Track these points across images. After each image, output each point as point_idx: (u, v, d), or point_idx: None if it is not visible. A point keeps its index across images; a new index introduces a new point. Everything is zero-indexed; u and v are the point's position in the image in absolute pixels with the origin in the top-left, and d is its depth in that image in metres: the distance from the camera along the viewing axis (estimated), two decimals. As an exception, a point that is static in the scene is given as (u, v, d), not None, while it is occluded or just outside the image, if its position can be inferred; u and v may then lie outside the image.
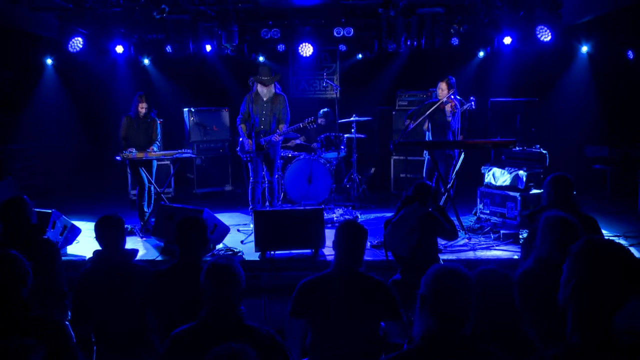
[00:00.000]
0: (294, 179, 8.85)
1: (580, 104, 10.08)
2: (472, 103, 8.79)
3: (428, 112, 7.40)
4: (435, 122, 7.66)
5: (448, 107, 7.39)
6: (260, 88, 7.61)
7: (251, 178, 7.69)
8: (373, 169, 10.52)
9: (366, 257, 6.03)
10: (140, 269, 3.87)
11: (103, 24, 9.33)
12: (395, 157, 10.04)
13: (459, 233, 7.09)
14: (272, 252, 6.23)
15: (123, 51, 9.72)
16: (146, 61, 10.82)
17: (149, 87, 10.75)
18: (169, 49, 9.94)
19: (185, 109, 10.12)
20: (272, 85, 7.66)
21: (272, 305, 6.09)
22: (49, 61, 10.63)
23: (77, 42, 8.68)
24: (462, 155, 7.21)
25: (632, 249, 6.45)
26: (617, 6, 8.37)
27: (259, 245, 6.19)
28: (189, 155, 7.61)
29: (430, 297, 2.26)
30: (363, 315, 3.45)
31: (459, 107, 7.61)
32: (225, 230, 6.51)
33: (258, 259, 6.19)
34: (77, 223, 7.00)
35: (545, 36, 8.29)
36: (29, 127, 10.43)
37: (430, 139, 7.74)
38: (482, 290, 2.55)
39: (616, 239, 6.81)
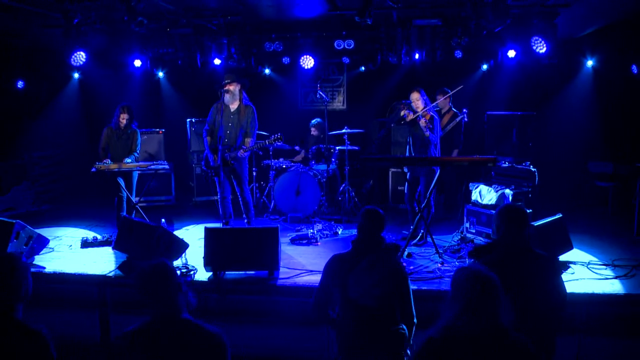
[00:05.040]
0: (282, 190, 7.99)
1: (585, 119, 8.74)
2: (465, 115, 7.72)
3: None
4: (414, 136, 6.59)
5: (422, 122, 6.31)
6: (225, 95, 6.71)
7: (218, 193, 6.80)
8: (372, 181, 9.47)
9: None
10: None
11: (111, 38, 8.75)
12: (393, 170, 8.93)
13: (434, 257, 6.03)
14: (223, 273, 5.35)
15: (141, 65, 9.15)
16: (160, 74, 10.20)
17: (158, 99, 10.17)
18: (180, 62, 9.29)
19: (188, 120, 9.39)
20: (236, 89, 6.71)
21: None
22: (76, 75, 10.23)
23: (80, 57, 8.05)
24: (437, 173, 6.08)
25: (617, 281, 5.25)
26: (619, 17, 7.05)
27: (210, 264, 5.33)
28: (163, 166, 6.84)
29: None
30: None
31: (437, 118, 6.53)
32: (183, 246, 5.69)
33: (206, 280, 5.32)
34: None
35: (541, 47, 7.04)
36: (51, 136, 10.06)
37: (412, 152, 6.66)
38: None
39: (603, 268, 5.61)
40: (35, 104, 10.04)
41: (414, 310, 3.65)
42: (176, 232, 7.39)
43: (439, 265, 5.76)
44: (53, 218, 8.41)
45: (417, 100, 6.44)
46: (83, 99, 10.32)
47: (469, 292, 2.51)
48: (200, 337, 2.62)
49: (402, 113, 6.61)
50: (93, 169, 6.63)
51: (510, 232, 3.62)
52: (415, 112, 6.45)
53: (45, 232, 7.31)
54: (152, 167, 6.74)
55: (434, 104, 6.51)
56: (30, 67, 9.77)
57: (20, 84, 9.93)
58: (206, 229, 5.40)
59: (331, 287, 3.64)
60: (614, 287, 5.11)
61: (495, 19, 6.22)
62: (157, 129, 9.31)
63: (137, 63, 9.11)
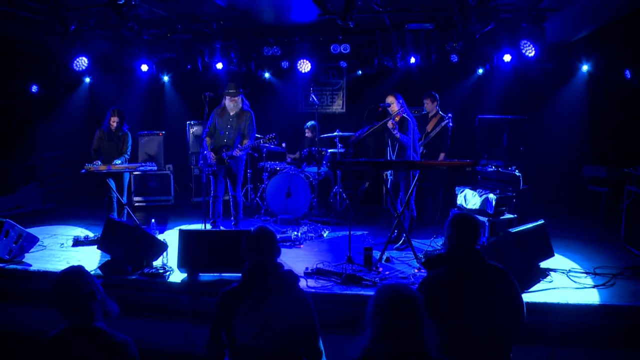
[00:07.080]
0: (274, 192, 7.81)
1: (580, 123, 8.32)
2: (449, 120, 7.40)
3: (371, 130, 6.16)
4: (392, 140, 6.36)
5: (390, 125, 6.10)
6: (227, 102, 6.81)
7: (212, 192, 6.76)
8: (367, 183, 9.22)
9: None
10: None
11: (116, 44, 8.70)
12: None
13: (413, 262, 5.74)
14: (197, 274, 5.18)
15: (147, 69, 9.07)
16: (165, 78, 10.11)
17: (160, 102, 10.08)
18: (182, 67, 9.18)
19: (188, 122, 9.28)
20: (239, 99, 6.78)
21: (192, 330, 5.04)
22: (87, 79, 10.24)
23: (82, 62, 7.99)
24: (416, 177, 5.80)
25: (595, 290, 4.92)
26: (610, 20, 6.65)
27: (185, 266, 5.17)
28: (151, 168, 6.75)
29: None
30: None
31: (411, 120, 6.27)
32: (162, 247, 5.54)
33: (179, 282, 5.16)
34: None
35: (530, 51, 6.70)
36: (62, 137, 10.04)
37: (393, 156, 6.40)
38: None
39: (584, 276, 5.27)
40: (48, 107, 10.07)
41: (320, 345, 3.01)
42: (168, 232, 7.32)
43: (415, 271, 5.47)
44: (56, 216, 8.39)
45: (392, 103, 6.23)
46: (92, 102, 10.30)
47: (389, 316, 2.25)
48: (105, 346, 2.45)
49: (351, 139, 6.43)
50: (83, 170, 6.56)
51: (462, 242, 3.35)
52: (390, 114, 6.24)
53: (44, 230, 7.33)
54: (141, 168, 6.65)
55: (401, 108, 6.25)
56: (43, 72, 9.81)
57: (34, 88, 9.99)
58: (180, 230, 5.24)
59: (220, 328, 2.95)
60: (591, 296, 4.78)
61: (479, 22, 5.92)
62: (158, 131, 9.22)
63: (144, 68, 9.05)
